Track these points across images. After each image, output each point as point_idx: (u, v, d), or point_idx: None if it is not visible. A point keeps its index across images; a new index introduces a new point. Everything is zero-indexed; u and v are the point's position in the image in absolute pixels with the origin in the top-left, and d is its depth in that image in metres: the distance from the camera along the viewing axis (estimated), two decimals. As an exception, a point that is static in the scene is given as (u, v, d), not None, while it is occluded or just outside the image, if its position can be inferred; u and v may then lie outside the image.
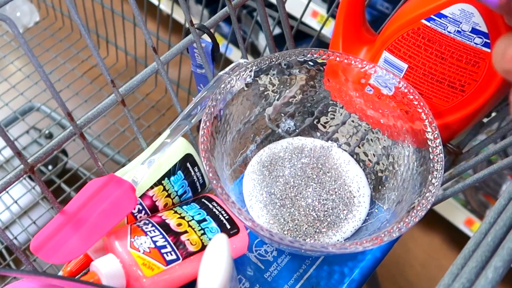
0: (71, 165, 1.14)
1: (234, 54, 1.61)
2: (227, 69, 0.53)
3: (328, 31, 1.27)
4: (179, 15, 1.71)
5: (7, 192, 0.98)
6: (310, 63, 0.52)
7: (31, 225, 0.93)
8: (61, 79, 1.16)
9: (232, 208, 0.41)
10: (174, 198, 0.51)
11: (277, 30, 1.42)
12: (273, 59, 0.50)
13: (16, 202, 0.97)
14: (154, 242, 0.43)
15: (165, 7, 1.75)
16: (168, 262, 0.43)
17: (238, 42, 0.56)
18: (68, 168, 1.23)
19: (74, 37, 1.24)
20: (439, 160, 0.45)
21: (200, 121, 0.57)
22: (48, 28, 1.25)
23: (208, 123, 0.45)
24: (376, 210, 0.51)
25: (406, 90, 0.48)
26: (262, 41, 1.54)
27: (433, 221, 1.45)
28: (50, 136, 1.21)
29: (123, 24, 1.10)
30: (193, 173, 0.52)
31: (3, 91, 1.15)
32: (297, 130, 0.57)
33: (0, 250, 0.88)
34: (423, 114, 0.47)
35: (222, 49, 0.99)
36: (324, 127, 0.57)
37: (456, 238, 1.42)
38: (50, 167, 1.20)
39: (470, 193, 1.35)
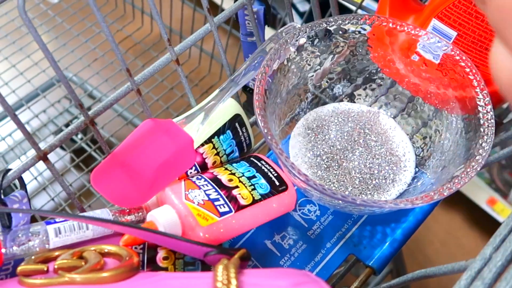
0: (101, 133, 1.16)
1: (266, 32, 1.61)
2: (277, 32, 0.54)
3: (369, 3, 1.26)
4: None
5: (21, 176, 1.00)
6: (358, 29, 0.53)
7: (86, 173, 0.96)
8: (83, 58, 1.17)
9: (286, 162, 0.42)
10: (222, 156, 0.52)
11: (307, 5, 1.41)
12: (326, 23, 0.51)
13: (41, 174, 1.00)
14: (208, 195, 0.45)
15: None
16: (222, 214, 0.44)
17: (285, 5, 0.56)
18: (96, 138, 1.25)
19: (94, 16, 1.24)
20: (490, 126, 0.46)
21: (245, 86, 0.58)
22: (70, 6, 1.26)
23: (262, 82, 0.46)
24: (421, 175, 0.52)
25: (458, 58, 0.49)
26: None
27: (454, 199, 1.44)
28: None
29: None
30: (241, 133, 0.53)
31: (26, 68, 1.16)
32: (342, 96, 0.58)
33: (60, 202, 0.91)
34: (474, 81, 0.48)
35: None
36: (370, 93, 0.58)
37: (477, 218, 1.42)
38: (80, 135, 1.22)
39: (495, 171, 1.34)
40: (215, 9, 1.11)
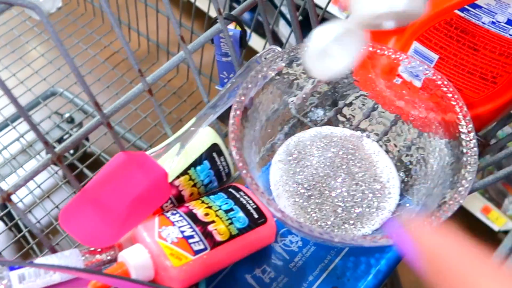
0: (92, 150, 1.14)
1: (254, 41, 1.59)
2: (256, 56, 0.53)
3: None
4: (201, 3, 1.70)
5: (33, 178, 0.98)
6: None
7: (54, 209, 0.94)
8: (83, 65, 1.16)
9: (262, 198, 0.41)
10: (199, 187, 0.51)
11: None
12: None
13: (39, 186, 0.98)
14: (182, 232, 0.43)
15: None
16: (196, 252, 0.42)
17: (265, 30, 0.55)
18: (89, 153, 1.23)
19: (96, 23, 1.23)
20: (472, 154, 0.44)
21: (225, 110, 0.57)
22: (70, 14, 1.25)
23: (238, 112, 0.45)
24: (405, 202, 0.51)
25: (440, 82, 0.47)
26: (282, 28, 1.52)
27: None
28: (71, 121, 1.21)
29: (145, 10, 1.10)
30: (219, 163, 0.52)
31: (26, 76, 1.15)
32: (324, 120, 0.57)
33: (24, 234, 0.89)
34: (457, 107, 0.46)
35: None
36: (352, 117, 0.56)
37: (473, 226, 1.41)
38: (71, 151, 1.21)
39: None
40: (202, 17, 1.09)
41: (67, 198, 0.96)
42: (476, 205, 1.35)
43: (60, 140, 1.13)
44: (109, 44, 1.21)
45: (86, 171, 1.00)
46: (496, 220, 1.29)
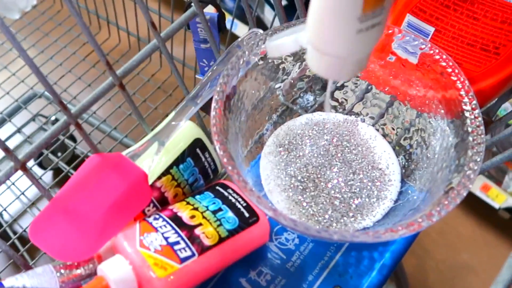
0: (80, 151, 1.10)
1: (240, 29, 1.55)
2: (237, 41, 0.48)
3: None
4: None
5: (14, 184, 0.94)
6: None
7: None
8: (63, 64, 1.12)
9: (251, 196, 0.37)
10: (184, 187, 0.46)
11: (283, 1, 1.36)
12: (290, 28, 0.45)
13: (23, 193, 0.93)
14: (166, 238, 0.39)
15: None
16: (183, 260, 0.38)
17: (245, 12, 0.51)
18: (77, 154, 1.18)
19: (73, 19, 1.18)
20: (479, 133, 0.40)
21: (207, 101, 0.53)
22: (46, 12, 1.20)
23: (220, 103, 0.41)
24: (407, 189, 0.47)
25: (438, 57, 0.43)
26: (267, 14, 1.47)
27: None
28: (56, 122, 1.16)
29: (123, 4, 1.05)
30: (203, 159, 0.48)
31: (3, 79, 1.11)
32: (315, 106, 0.52)
33: (13, 241, 0.85)
34: (458, 82, 0.42)
35: (227, 25, 0.94)
36: (344, 101, 0.52)
37: (472, 204, 1.38)
38: (59, 154, 1.16)
39: (488, 159, 1.30)
40: (183, 6, 1.05)
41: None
42: (475, 183, 1.32)
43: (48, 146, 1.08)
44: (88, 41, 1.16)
45: (72, 172, 0.96)
46: (496, 198, 1.26)
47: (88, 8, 1.15)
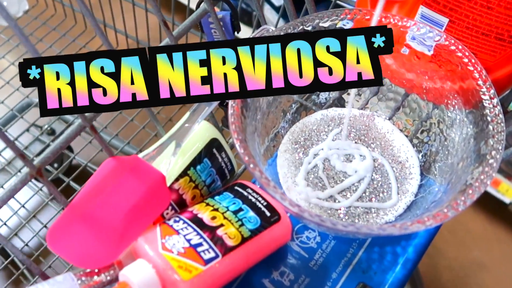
0: (78, 161, 1.08)
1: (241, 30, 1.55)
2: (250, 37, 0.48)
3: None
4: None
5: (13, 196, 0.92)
6: (339, 26, 0.47)
7: (43, 229, 0.88)
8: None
9: (275, 193, 0.36)
10: (202, 189, 0.46)
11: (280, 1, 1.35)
12: (302, 24, 0.45)
13: (23, 206, 0.92)
14: (188, 240, 0.39)
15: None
16: (207, 261, 0.38)
17: (255, 9, 0.50)
18: (75, 164, 1.16)
19: (68, 24, 1.16)
20: (499, 122, 0.40)
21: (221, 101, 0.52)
22: (39, 17, 1.18)
23: (237, 101, 0.40)
24: (427, 183, 0.46)
25: (454, 47, 0.43)
26: (267, 13, 1.47)
27: (458, 184, 1.39)
28: (52, 133, 1.14)
29: (121, 6, 1.04)
30: (220, 159, 0.47)
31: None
32: (329, 102, 0.52)
33: (13, 259, 0.83)
34: (475, 72, 0.42)
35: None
36: (358, 95, 0.52)
37: (482, 200, 1.37)
38: (55, 165, 1.15)
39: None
40: (183, 11, 1.04)
41: (55, 216, 0.90)
42: (485, 179, 1.31)
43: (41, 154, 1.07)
44: (85, 45, 1.14)
45: (73, 184, 0.94)
46: (506, 192, 1.25)
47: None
